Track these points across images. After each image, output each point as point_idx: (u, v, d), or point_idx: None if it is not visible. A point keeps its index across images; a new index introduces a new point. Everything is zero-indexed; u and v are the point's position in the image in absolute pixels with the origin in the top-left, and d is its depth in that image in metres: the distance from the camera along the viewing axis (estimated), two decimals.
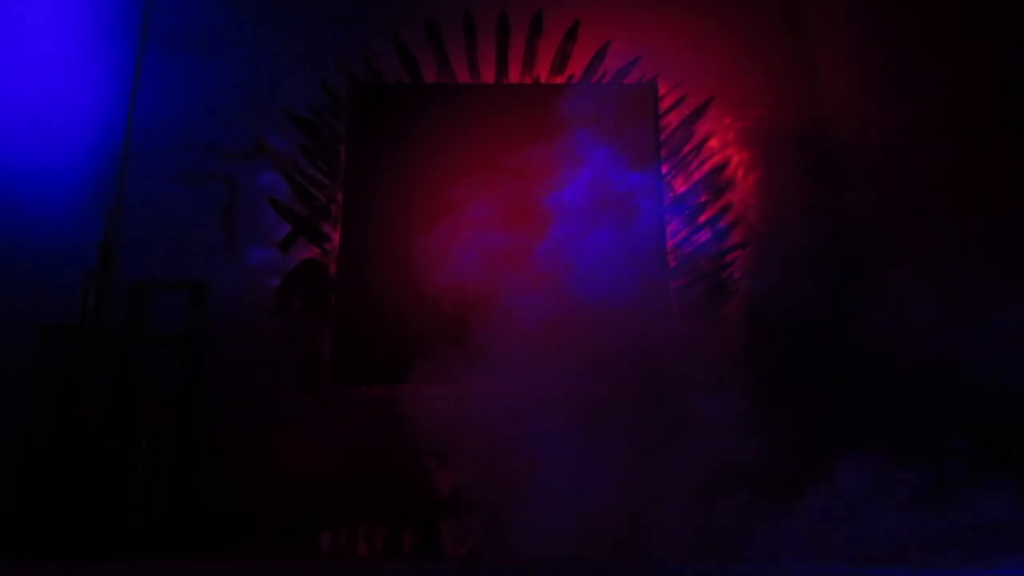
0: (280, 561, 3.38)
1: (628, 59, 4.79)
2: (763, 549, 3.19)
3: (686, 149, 4.69)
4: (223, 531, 3.92)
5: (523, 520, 3.27)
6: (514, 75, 4.83)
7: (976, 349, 3.08)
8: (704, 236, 4.52)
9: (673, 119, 4.74)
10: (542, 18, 4.86)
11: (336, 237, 4.52)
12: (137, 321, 4.18)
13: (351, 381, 4.25)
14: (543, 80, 4.81)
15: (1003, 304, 3.07)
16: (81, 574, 2.55)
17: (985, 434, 3.10)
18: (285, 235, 4.47)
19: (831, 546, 3.12)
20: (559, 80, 4.80)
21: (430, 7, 4.87)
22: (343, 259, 4.47)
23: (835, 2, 4.68)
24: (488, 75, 4.83)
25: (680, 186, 4.63)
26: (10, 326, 4.01)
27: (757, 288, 4.32)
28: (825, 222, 4.08)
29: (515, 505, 3.30)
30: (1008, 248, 3.26)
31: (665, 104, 4.76)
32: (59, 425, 3.75)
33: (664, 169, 4.64)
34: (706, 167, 4.65)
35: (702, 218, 4.56)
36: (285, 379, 4.23)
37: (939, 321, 3.23)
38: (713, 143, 4.69)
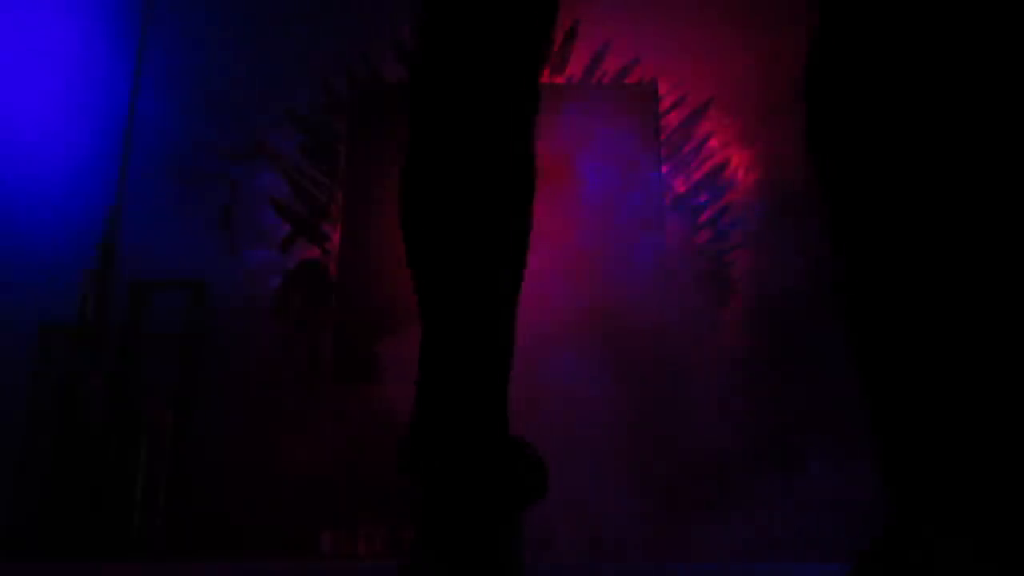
0: (280, 561, 3.38)
1: (628, 59, 4.79)
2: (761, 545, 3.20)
3: (686, 149, 4.68)
4: (223, 531, 3.92)
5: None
6: None
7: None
8: (704, 236, 4.52)
9: (673, 119, 4.74)
10: None
11: (336, 237, 4.52)
12: (137, 321, 4.18)
13: (351, 381, 4.25)
14: (543, 80, 4.80)
15: None
16: (81, 574, 2.55)
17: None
18: (285, 235, 4.47)
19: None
20: (559, 80, 4.80)
21: None
22: (343, 259, 4.47)
23: None
24: None
25: (680, 186, 4.63)
26: (10, 326, 4.01)
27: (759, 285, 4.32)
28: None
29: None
30: None
31: (665, 104, 4.76)
32: (59, 425, 3.75)
33: (664, 169, 4.64)
34: (706, 167, 4.65)
35: (702, 218, 4.56)
36: (285, 379, 4.23)
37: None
38: (713, 143, 4.69)
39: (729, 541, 3.27)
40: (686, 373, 3.93)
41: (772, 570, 2.75)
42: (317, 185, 4.60)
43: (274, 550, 3.86)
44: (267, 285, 4.39)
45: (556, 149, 4.11)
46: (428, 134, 1.04)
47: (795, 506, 3.33)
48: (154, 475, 3.78)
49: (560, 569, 2.87)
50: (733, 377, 3.90)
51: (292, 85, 4.70)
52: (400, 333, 4.16)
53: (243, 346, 4.24)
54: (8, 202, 4.31)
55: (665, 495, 3.58)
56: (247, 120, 4.61)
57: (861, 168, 0.65)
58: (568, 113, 4.16)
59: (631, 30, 4.83)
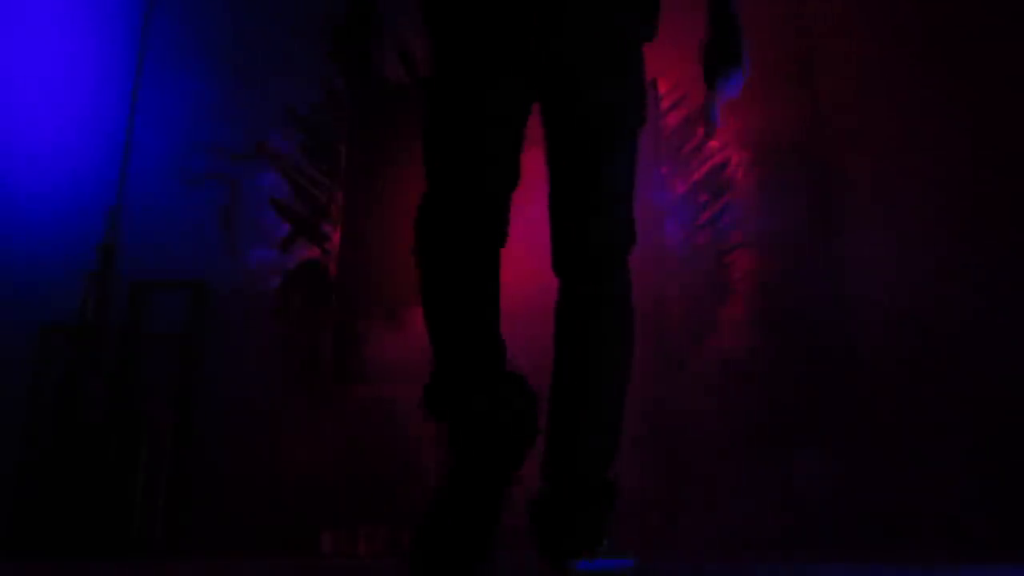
0: (280, 561, 3.38)
1: None
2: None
3: (686, 149, 4.68)
4: (223, 531, 3.92)
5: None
6: None
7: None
8: (704, 236, 4.52)
9: (673, 119, 4.74)
10: None
11: (336, 237, 4.52)
12: (137, 321, 4.18)
13: (351, 381, 4.26)
14: None
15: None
16: (81, 574, 2.56)
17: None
18: (285, 235, 4.47)
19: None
20: None
21: None
22: (343, 259, 4.47)
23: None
24: None
25: (680, 186, 4.63)
26: (10, 326, 4.01)
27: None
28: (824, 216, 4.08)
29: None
30: None
31: (665, 104, 4.76)
32: (59, 425, 3.75)
33: (664, 169, 4.64)
34: (706, 167, 4.65)
35: (702, 218, 4.56)
36: (285, 379, 4.23)
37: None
38: (713, 143, 4.69)
39: (728, 540, 3.28)
40: (685, 373, 3.94)
41: (771, 570, 2.75)
42: (317, 185, 4.60)
43: (274, 550, 3.87)
44: (267, 285, 4.39)
45: None
46: (437, 191, 1.58)
47: (793, 504, 3.33)
48: (154, 475, 3.78)
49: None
50: (733, 377, 3.90)
51: (292, 85, 4.70)
52: (400, 333, 4.16)
53: (243, 346, 4.24)
54: (8, 203, 4.31)
55: (664, 494, 3.59)
56: (247, 120, 4.61)
57: None
58: None
59: None
